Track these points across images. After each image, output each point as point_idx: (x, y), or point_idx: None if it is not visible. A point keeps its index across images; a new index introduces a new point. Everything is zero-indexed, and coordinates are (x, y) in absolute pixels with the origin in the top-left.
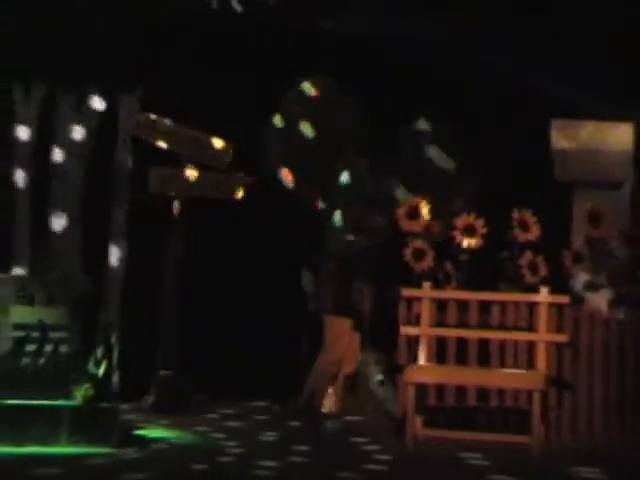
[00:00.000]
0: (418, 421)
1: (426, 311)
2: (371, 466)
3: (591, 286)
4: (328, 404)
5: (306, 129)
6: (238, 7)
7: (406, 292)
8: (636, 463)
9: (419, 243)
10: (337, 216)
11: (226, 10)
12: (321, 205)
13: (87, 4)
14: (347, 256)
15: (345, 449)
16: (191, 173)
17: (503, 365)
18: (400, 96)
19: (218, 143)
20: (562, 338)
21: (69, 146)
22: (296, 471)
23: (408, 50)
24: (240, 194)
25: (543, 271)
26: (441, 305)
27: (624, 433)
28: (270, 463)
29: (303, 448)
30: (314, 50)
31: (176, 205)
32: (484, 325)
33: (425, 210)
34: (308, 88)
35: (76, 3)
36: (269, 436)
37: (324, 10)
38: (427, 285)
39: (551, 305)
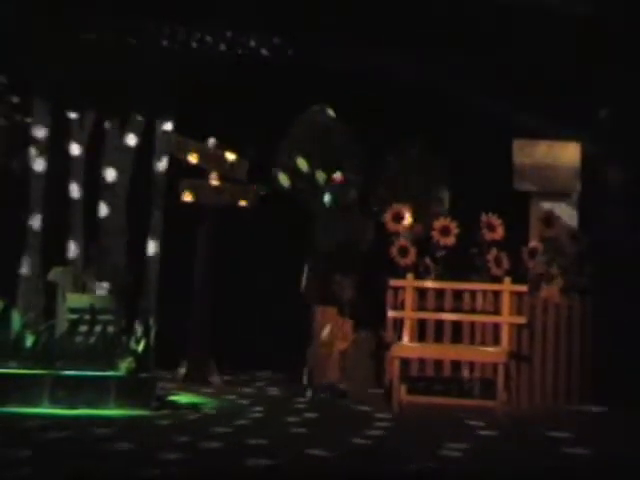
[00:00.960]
0: (402, 389)
1: (409, 298)
2: (367, 423)
3: (544, 278)
4: (328, 376)
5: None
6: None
7: (393, 282)
8: (581, 420)
9: (403, 242)
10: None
11: (244, 54)
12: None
13: (131, 49)
14: (328, 253)
15: (344, 411)
16: (215, 182)
17: (473, 342)
18: (386, 119)
19: (237, 159)
20: (521, 320)
21: (116, 161)
22: None
23: (392, 82)
24: (254, 201)
25: (506, 264)
26: (421, 293)
27: (571, 397)
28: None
29: (311, 411)
30: (315, 82)
31: (202, 209)
32: (457, 309)
33: (408, 214)
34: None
35: (122, 49)
36: (281, 400)
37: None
38: (410, 276)
39: (512, 293)
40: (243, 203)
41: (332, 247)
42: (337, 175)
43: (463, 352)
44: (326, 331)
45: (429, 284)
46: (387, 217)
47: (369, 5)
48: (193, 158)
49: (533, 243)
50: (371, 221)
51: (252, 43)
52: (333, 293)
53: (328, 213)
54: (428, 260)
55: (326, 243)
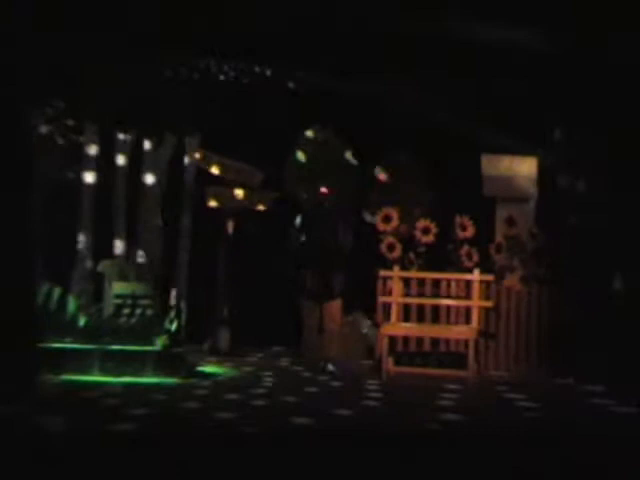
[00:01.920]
0: (390, 361)
1: (396, 286)
2: (363, 388)
3: (507, 269)
4: (325, 351)
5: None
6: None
7: (382, 273)
8: (540, 386)
9: (391, 239)
10: (298, 220)
11: (257, 80)
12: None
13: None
14: (298, 252)
15: (343, 380)
16: (238, 192)
17: (449, 322)
18: (375, 136)
19: (253, 170)
20: (489, 304)
21: (153, 171)
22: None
23: (378, 104)
24: (270, 205)
25: (476, 258)
26: (406, 282)
27: (530, 367)
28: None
29: (311, 380)
30: (316, 104)
31: (225, 212)
32: (436, 295)
33: (395, 216)
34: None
35: (156, 81)
36: (289, 370)
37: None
38: (397, 268)
39: (481, 282)
40: (260, 207)
41: (307, 245)
42: (323, 189)
43: (440, 330)
44: (307, 321)
45: (412, 274)
46: (378, 219)
47: (362, 39)
48: (215, 169)
49: (498, 240)
50: (350, 225)
51: (268, 73)
52: (303, 285)
53: (307, 215)
54: (412, 254)
55: (301, 242)
